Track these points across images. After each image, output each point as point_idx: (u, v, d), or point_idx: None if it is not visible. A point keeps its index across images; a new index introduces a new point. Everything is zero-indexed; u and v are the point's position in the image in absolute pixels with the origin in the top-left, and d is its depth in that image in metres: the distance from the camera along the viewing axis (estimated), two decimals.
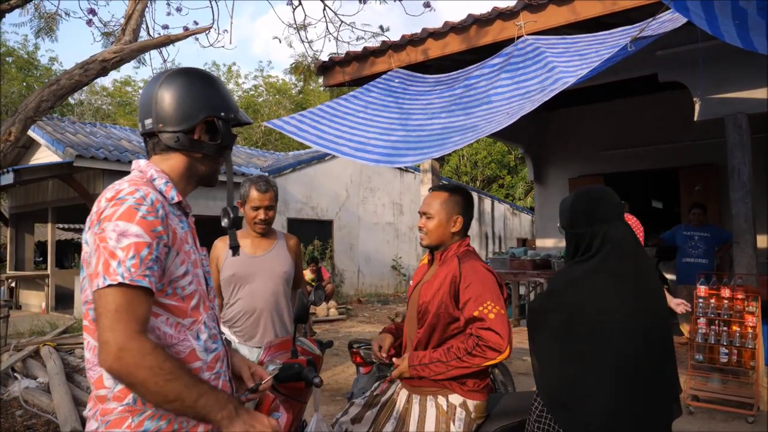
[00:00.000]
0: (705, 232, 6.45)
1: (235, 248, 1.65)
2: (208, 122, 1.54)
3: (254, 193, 3.05)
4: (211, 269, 3.14)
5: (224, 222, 1.62)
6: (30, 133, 10.47)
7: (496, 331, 2.19)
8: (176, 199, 1.51)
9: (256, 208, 3.05)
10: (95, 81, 4.70)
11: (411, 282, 2.63)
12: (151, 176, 1.50)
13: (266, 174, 13.03)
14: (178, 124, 1.51)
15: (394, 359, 2.48)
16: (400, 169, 16.57)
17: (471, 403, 2.29)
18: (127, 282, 1.28)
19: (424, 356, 2.31)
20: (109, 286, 1.29)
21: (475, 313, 2.23)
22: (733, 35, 2.71)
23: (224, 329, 3.19)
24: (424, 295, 2.37)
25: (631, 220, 4.23)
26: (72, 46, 42.88)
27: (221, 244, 3.16)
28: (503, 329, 2.20)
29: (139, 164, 1.53)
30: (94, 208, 1.40)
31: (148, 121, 1.52)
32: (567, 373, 2.00)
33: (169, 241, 1.40)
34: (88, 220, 1.42)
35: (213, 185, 1.63)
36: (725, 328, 4.75)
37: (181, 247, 1.45)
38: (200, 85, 1.56)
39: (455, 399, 2.29)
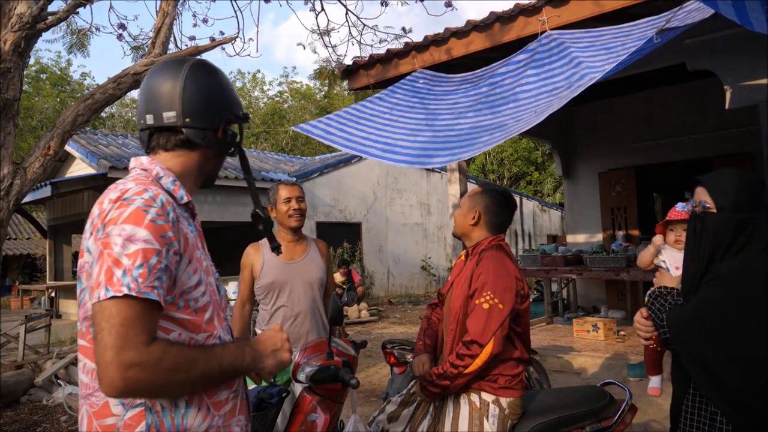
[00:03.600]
0: None
1: (276, 248, 1.65)
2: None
3: (283, 189, 3.11)
4: (243, 276, 3.12)
5: (260, 226, 1.58)
6: (65, 146, 10.79)
7: (476, 320, 2.17)
8: (185, 199, 1.36)
9: (288, 200, 3.08)
10: (126, 94, 4.80)
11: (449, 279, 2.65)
12: (156, 174, 1.34)
13: (293, 179, 13.16)
14: (208, 120, 1.39)
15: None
16: (426, 169, 16.57)
17: (504, 401, 2.28)
18: (133, 294, 1.12)
19: (431, 375, 2.31)
20: (113, 297, 1.12)
21: (476, 302, 2.22)
22: (762, 23, 2.66)
23: None
24: (454, 292, 2.38)
25: None
26: (103, 61, 43.92)
27: (253, 251, 3.12)
28: (485, 321, 2.16)
29: (141, 161, 1.37)
30: (96, 211, 1.23)
31: (170, 114, 1.36)
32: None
33: (180, 248, 1.24)
34: (89, 224, 1.24)
35: (210, 186, 1.53)
36: None
37: (193, 253, 1.29)
38: (225, 81, 1.46)
39: (487, 396, 2.28)
